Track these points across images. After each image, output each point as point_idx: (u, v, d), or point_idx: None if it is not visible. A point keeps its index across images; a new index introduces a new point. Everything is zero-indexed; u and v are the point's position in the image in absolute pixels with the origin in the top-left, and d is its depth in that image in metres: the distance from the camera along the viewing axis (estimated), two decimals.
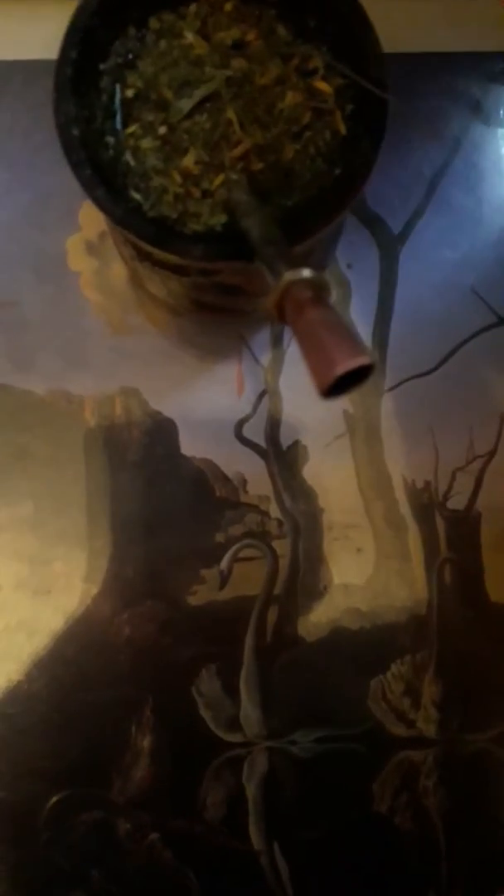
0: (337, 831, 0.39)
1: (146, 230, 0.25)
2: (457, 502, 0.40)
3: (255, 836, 0.39)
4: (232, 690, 0.39)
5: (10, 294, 0.40)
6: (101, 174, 0.26)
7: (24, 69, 0.39)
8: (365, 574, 0.40)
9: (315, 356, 0.18)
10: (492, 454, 0.40)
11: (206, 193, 0.27)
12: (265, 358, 0.40)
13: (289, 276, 0.21)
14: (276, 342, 0.40)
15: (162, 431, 0.40)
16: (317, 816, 0.39)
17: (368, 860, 0.39)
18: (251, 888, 0.38)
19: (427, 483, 0.40)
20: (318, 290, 0.20)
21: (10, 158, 0.40)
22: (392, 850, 0.39)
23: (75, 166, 0.25)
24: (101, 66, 0.27)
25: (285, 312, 0.21)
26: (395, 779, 0.39)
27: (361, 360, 0.18)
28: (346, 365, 0.18)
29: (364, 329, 0.40)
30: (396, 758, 0.39)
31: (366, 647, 0.40)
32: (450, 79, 0.41)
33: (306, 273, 0.20)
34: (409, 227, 0.40)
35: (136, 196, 0.26)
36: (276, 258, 0.22)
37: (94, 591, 0.39)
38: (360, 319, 0.40)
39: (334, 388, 0.18)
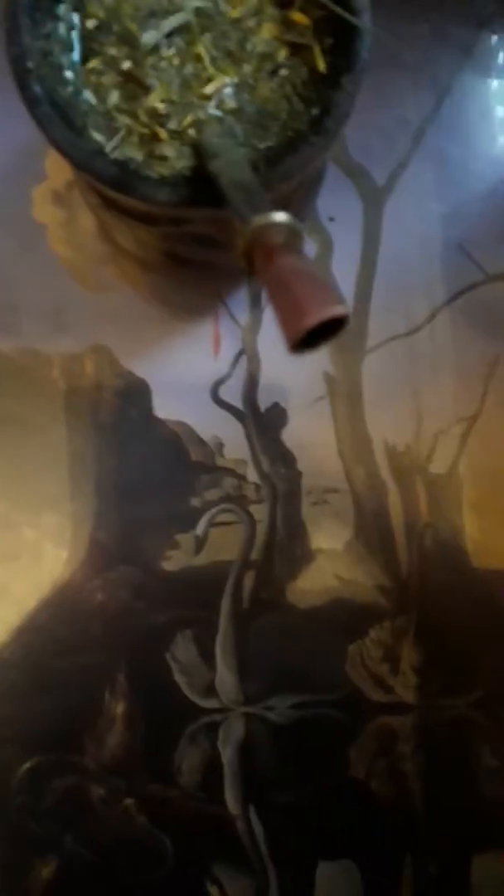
0: (313, 796, 0.39)
1: (108, 173, 0.24)
2: (439, 466, 0.39)
3: (230, 800, 0.38)
4: (208, 656, 0.39)
5: None
6: (60, 113, 0.24)
7: None
8: (344, 539, 0.39)
9: (284, 306, 0.17)
10: (475, 417, 0.39)
11: (173, 134, 0.25)
12: (243, 317, 0.39)
13: (257, 220, 0.19)
14: (255, 300, 0.39)
15: (134, 393, 0.39)
16: (293, 781, 0.39)
17: (345, 824, 0.39)
18: (227, 853, 0.38)
19: (408, 446, 0.39)
20: (290, 236, 0.19)
21: None
22: (369, 814, 0.39)
23: (30, 103, 0.23)
24: None
25: (254, 261, 0.19)
26: (372, 744, 0.39)
27: (334, 311, 0.16)
28: (317, 315, 0.16)
29: (346, 286, 0.39)
30: (374, 723, 0.39)
31: (344, 613, 0.39)
32: (439, 22, 0.38)
33: (277, 217, 0.19)
34: (393, 178, 0.38)
35: (98, 137, 0.25)
36: (245, 203, 0.20)
37: (65, 556, 0.38)
38: (342, 276, 0.39)
39: (305, 342, 0.17)
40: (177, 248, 0.32)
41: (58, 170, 0.37)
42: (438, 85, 0.39)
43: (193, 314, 0.39)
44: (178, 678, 0.38)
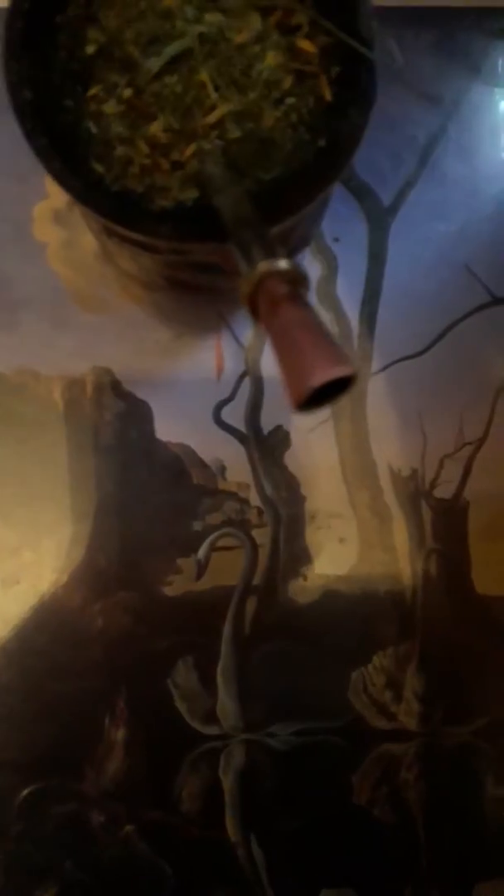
0: (315, 823, 0.38)
1: (108, 206, 0.23)
2: (444, 491, 0.38)
3: (231, 827, 0.38)
4: (209, 682, 0.38)
5: None
6: (59, 143, 0.23)
7: None
8: (348, 564, 0.38)
9: (290, 363, 0.16)
10: (481, 441, 0.38)
11: (175, 165, 0.24)
12: (246, 337, 0.38)
13: (263, 266, 0.18)
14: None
15: (135, 414, 0.38)
16: (294, 808, 0.38)
17: (347, 852, 0.38)
18: (227, 880, 0.38)
19: (414, 471, 0.38)
20: (296, 284, 0.18)
21: None
22: (371, 842, 0.38)
23: (29, 134, 0.23)
24: (58, 19, 0.24)
25: (259, 308, 0.18)
26: (375, 771, 0.38)
27: (342, 371, 0.15)
28: (323, 375, 0.16)
29: (351, 307, 0.38)
30: (377, 751, 0.38)
31: (347, 639, 0.38)
32: (446, 36, 0.38)
33: (283, 264, 0.18)
34: (400, 198, 0.38)
35: (98, 167, 0.24)
36: (250, 243, 0.20)
37: (65, 580, 0.38)
38: (347, 297, 0.38)
39: (310, 400, 0.16)
40: (180, 275, 0.31)
41: (59, 189, 0.36)
42: (446, 101, 0.38)
43: (196, 335, 0.38)
44: (179, 704, 0.38)
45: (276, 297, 0.18)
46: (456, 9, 0.37)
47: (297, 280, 0.18)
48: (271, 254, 0.19)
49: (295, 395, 0.16)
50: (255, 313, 0.19)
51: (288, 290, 0.18)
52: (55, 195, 0.37)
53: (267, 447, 0.38)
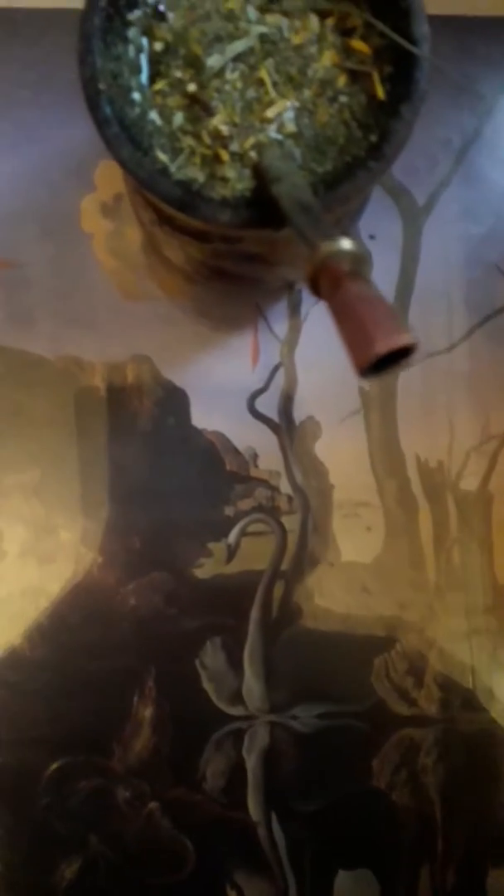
0: (334, 805, 0.39)
1: (172, 193, 0.24)
2: (469, 483, 0.40)
3: (253, 807, 0.39)
4: (236, 664, 0.39)
5: (15, 253, 0.38)
6: (127, 133, 0.24)
7: (35, 20, 0.38)
8: (373, 552, 0.40)
9: (353, 334, 0.18)
10: None
11: (235, 156, 0.25)
12: (281, 330, 0.39)
13: (325, 247, 0.20)
14: (293, 314, 0.39)
15: (173, 402, 0.39)
16: (315, 790, 0.39)
17: (365, 834, 0.39)
18: (247, 858, 0.39)
19: (440, 462, 0.39)
20: (358, 263, 0.19)
21: (16, 113, 0.38)
22: (389, 824, 0.39)
23: (101, 124, 0.24)
24: (129, 16, 0.25)
25: (320, 286, 0.20)
26: (394, 755, 0.39)
27: (404, 340, 0.17)
28: (386, 344, 0.17)
29: None
30: (397, 735, 0.39)
31: (371, 625, 0.39)
32: (487, 44, 0.39)
33: (345, 244, 0.19)
34: (434, 198, 0.39)
35: (163, 157, 0.25)
36: (310, 227, 0.21)
37: (100, 560, 0.39)
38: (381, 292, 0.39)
39: (372, 368, 0.18)
40: (224, 264, 0.33)
41: (106, 182, 0.38)
42: (482, 105, 0.39)
43: (233, 326, 0.39)
44: (206, 685, 0.39)
45: (339, 274, 0.19)
46: (498, 18, 0.38)
47: (359, 259, 0.19)
48: (330, 236, 0.20)
49: (359, 362, 0.17)
50: (316, 292, 0.20)
51: (350, 267, 0.19)
52: (103, 188, 0.38)
53: (298, 436, 0.40)
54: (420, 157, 0.39)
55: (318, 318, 0.39)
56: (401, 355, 0.17)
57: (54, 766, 0.39)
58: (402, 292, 0.39)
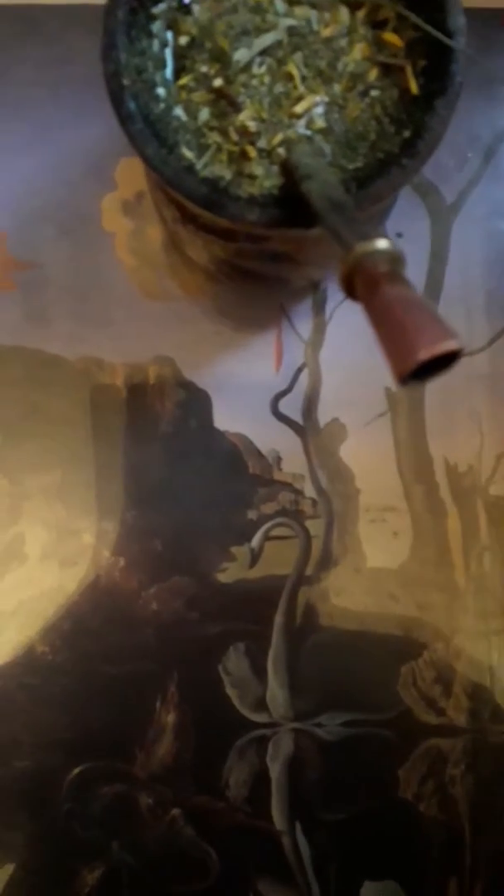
0: (360, 815, 0.38)
1: (198, 191, 0.24)
2: (499, 488, 0.39)
3: (277, 816, 0.38)
4: (259, 670, 0.38)
5: (34, 254, 0.38)
6: (152, 129, 0.24)
7: (54, 16, 0.37)
8: (400, 558, 0.39)
9: (393, 339, 0.17)
10: None
11: (262, 153, 0.25)
12: (305, 330, 0.39)
13: (361, 247, 0.19)
14: (318, 314, 0.38)
15: (196, 403, 0.39)
16: (340, 799, 0.39)
17: (391, 845, 0.39)
18: (271, 868, 0.38)
19: (470, 467, 0.38)
20: (395, 264, 0.18)
21: (34, 112, 0.38)
22: (415, 836, 0.38)
23: (125, 120, 0.23)
24: (154, 10, 0.25)
25: (356, 288, 0.19)
26: (422, 766, 0.38)
27: (449, 345, 0.16)
28: (430, 350, 0.16)
29: None
30: (424, 745, 0.38)
31: (398, 632, 0.39)
32: None
33: (381, 244, 0.19)
34: (462, 196, 0.38)
35: (188, 154, 0.25)
36: (344, 226, 0.20)
37: (122, 563, 0.38)
38: None
39: (414, 375, 0.17)
40: (249, 263, 0.32)
41: (127, 180, 0.37)
42: None
43: (256, 327, 0.39)
44: (230, 691, 0.38)
45: (375, 276, 0.18)
46: None
47: (395, 259, 0.18)
48: (366, 235, 0.19)
49: (399, 370, 0.16)
50: (351, 294, 0.19)
51: (388, 268, 0.18)
52: (124, 187, 0.38)
53: (323, 439, 0.39)
54: (448, 155, 0.38)
55: (342, 319, 0.38)
56: (443, 361, 0.17)
57: (76, 770, 0.38)
58: (430, 291, 0.38)
